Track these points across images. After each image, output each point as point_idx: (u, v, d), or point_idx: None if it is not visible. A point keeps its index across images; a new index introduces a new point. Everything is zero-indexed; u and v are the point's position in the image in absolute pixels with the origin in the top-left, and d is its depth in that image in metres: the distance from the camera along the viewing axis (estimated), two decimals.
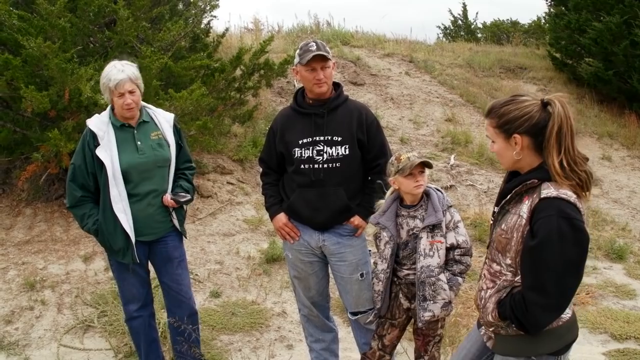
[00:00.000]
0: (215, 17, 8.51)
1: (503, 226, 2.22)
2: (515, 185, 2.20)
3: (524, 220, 2.12)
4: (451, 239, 3.01)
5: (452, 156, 8.37)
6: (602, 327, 4.68)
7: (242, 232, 6.10)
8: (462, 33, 17.21)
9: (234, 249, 5.77)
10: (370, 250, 3.48)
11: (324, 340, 3.66)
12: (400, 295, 3.14)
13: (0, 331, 4.28)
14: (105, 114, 3.34)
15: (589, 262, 6.07)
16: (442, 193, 3.11)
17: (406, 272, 3.08)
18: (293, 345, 4.36)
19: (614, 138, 9.77)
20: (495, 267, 2.28)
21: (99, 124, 3.27)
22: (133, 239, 3.27)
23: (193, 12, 7.90)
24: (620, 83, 10.11)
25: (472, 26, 17.46)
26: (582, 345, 4.41)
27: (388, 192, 3.14)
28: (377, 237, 3.18)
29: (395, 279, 3.13)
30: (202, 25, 8.12)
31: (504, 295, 2.22)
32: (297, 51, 3.23)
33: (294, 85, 9.15)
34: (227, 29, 8.72)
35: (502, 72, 11.74)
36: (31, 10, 5.72)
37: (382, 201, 3.16)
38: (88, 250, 5.37)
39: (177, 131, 3.51)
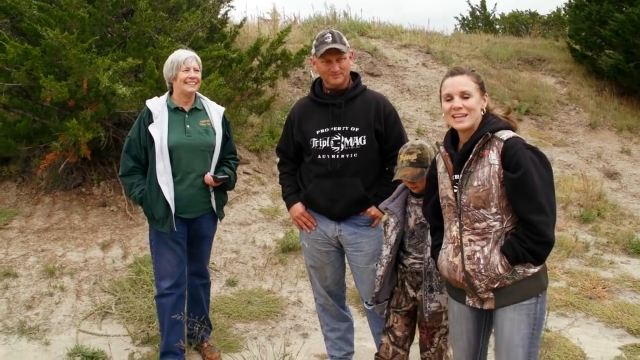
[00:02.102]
0: (232, 7, 8.52)
1: (475, 183, 2.42)
2: (471, 146, 2.44)
3: (497, 166, 2.38)
4: None
5: None
6: (619, 321, 4.65)
7: (258, 222, 6.13)
8: (480, 24, 17.04)
9: (250, 238, 5.80)
10: None
11: (339, 329, 3.68)
12: (406, 283, 3.12)
13: (21, 316, 4.36)
14: (163, 97, 3.65)
15: (606, 257, 6.04)
16: None
17: (412, 260, 3.05)
18: (308, 334, 4.39)
19: (633, 131, 9.65)
20: (481, 225, 2.44)
21: (156, 104, 3.59)
22: (173, 209, 3.51)
23: (210, 2, 7.90)
24: None
25: (491, 17, 17.28)
26: (599, 340, 4.39)
27: None
28: (385, 223, 3.17)
29: (401, 267, 3.11)
30: (220, 16, 8.13)
31: (502, 243, 2.41)
32: (314, 42, 3.23)
33: (311, 76, 9.14)
34: (244, 19, 8.72)
35: (520, 64, 11.61)
36: (50, 0, 5.77)
37: None
38: (106, 239, 5.44)
39: (225, 123, 3.80)
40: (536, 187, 2.31)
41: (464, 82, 2.46)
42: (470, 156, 2.43)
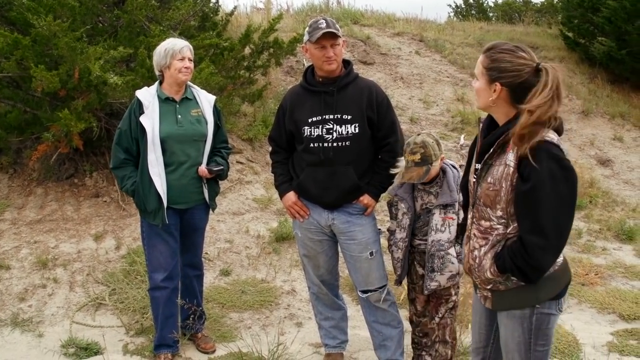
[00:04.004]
0: None
1: (489, 179, 2.22)
2: (496, 137, 2.22)
3: (511, 169, 2.14)
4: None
5: (462, 136, 8.33)
6: (611, 307, 4.69)
7: (252, 211, 6.12)
8: (473, 12, 17.00)
9: (244, 227, 5.79)
10: (380, 229, 3.48)
11: (333, 318, 3.69)
12: (415, 262, 3.27)
13: (15, 308, 4.35)
14: (153, 87, 3.60)
15: (598, 243, 6.07)
16: (458, 171, 3.14)
17: (418, 241, 3.22)
18: (302, 323, 4.40)
19: (625, 118, 9.66)
20: (485, 223, 2.28)
21: (146, 94, 3.54)
22: (165, 202, 3.49)
23: None
24: (634, 63, 9.93)
25: (484, 5, 17.25)
26: (591, 325, 4.42)
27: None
28: (391, 204, 3.29)
29: (411, 248, 3.26)
30: (211, 4, 8.06)
31: (500, 249, 2.24)
32: (307, 29, 3.22)
33: (303, 64, 9.10)
34: (235, 7, 8.68)
35: None
36: None
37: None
38: (99, 230, 5.42)
39: (216, 112, 3.76)
40: (542, 205, 2.05)
41: (477, 63, 2.27)
42: (493, 149, 2.21)
